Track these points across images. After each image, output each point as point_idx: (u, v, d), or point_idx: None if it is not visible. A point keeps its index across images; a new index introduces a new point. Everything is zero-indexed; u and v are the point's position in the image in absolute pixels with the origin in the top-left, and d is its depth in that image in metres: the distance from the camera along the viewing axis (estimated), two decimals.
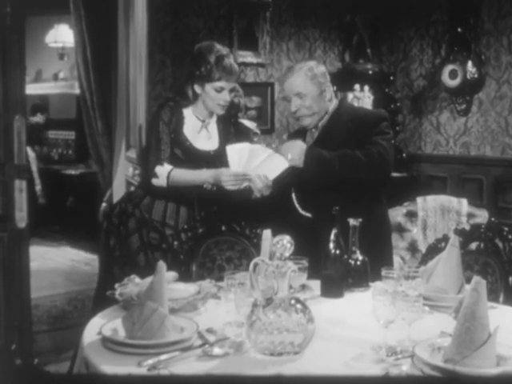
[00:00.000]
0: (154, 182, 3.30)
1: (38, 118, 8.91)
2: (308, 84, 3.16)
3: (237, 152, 3.15)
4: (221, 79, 3.25)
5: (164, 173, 3.26)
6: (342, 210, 2.63)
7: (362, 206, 3.00)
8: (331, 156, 3.06)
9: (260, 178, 3.13)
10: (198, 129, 3.36)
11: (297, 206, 3.20)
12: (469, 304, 1.89)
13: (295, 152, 3.11)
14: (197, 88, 3.31)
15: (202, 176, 3.26)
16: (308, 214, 3.16)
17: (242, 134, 4.26)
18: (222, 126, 3.45)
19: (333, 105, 3.26)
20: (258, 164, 3.15)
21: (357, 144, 3.09)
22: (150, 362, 1.88)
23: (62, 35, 8.76)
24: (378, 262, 2.66)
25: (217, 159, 3.34)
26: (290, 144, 3.17)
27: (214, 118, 3.42)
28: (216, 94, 3.27)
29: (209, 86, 3.27)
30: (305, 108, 3.18)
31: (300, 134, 3.35)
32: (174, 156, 3.30)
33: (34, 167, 7.73)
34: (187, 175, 3.28)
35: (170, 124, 3.29)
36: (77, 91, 6.57)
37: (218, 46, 3.32)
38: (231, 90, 3.32)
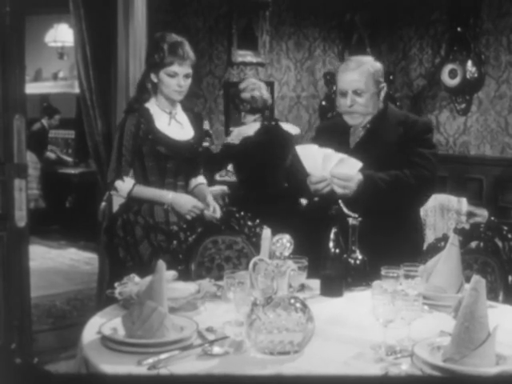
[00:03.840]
0: (114, 193, 3.30)
1: (54, 121, 8.85)
2: (369, 81, 3.04)
3: (310, 156, 2.97)
4: (172, 63, 3.21)
5: (125, 189, 3.23)
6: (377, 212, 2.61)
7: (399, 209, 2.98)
8: (386, 184, 2.93)
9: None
10: (168, 121, 3.33)
11: (343, 206, 3.10)
12: (468, 303, 1.89)
13: (353, 182, 2.91)
14: (153, 77, 3.27)
15: (162, 197, 3.24)
16: (354, 215, 3.05)
17: (285, 140, 4.35)
18: (192, 114, 3.45)
19: (380, 105, 3.15)
20: (331, 168, 2.98)
21: (402, 149, 3.01)
22: (150, 361, 1.88)
23: (62, 34, 8.74)
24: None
25: (199, 147, 3.40)
26: (347, 174, 2.90)
27: (179, 107, 3.40)
28: (169, 80, 3.23)
29: (162, 73, 3.24)
30: (360, 105, 3.05)
31: (333, 126, 3.25)
32: (158, 154, 3.24)
33: (34, 172, 7.68)
34: (148, 194, 3.26)
35: (139, 131, 3.23)
36: (76, 90, 6.56)
37: (173, 35, 3.29)
38: (186, 76, 3.28)
